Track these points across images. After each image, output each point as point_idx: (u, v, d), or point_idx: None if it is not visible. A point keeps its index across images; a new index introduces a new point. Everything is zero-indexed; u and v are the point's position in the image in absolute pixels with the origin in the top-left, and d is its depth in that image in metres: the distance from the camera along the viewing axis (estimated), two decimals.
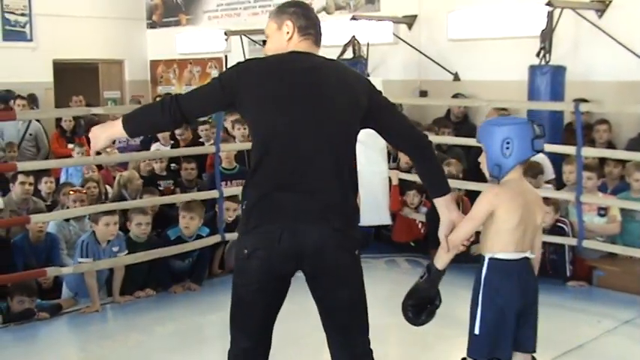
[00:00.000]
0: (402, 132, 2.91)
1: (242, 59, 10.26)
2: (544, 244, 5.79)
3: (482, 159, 3.11)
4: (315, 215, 2.68)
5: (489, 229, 3.03)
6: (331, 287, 2.76)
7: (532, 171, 6.09)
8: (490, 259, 3.02)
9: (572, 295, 5.71)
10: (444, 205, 2.93)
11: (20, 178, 6.10)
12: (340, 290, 2.76)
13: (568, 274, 5.87)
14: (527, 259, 3.05)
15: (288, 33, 2.88)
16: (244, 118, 2.89)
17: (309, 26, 2.90)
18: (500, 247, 3.00)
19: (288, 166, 2.69)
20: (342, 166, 2.76)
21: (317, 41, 2.92)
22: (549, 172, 6.53)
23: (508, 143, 2.97)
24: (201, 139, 8.07)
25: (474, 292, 3.05)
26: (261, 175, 2.74)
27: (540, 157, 6.55)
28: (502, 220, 2.97)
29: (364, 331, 2.85)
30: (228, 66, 11.02)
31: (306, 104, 2.70)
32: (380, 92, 2.92)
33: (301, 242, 2.67)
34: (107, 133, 2.95)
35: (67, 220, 6.00)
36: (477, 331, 3.02)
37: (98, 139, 2.95)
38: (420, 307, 3.08)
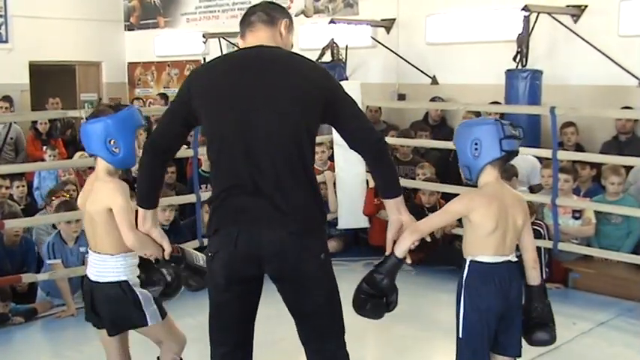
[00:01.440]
0: (356, 131, 2.78)
1: None
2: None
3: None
4: (270, 218, 2.63)
5: (468, 233, 3.03)
6: (295, 292, 2.73)
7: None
8: (471, 262, 3.01)
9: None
10: (394, 207, 2.85)
11: None
12: (305, 296, 2.73)
13: (544, 276, 5.84)
14: (509, 262, 3.02)
15: (241, 37, 2.86)
16: (200, 124, 2.83)
17: (244, 18, 2.85)
18: (479, 250, 2.99)
19: (239, 169, 2.65)
20: (295, 166, 2.66)
21: (261, 22, 2.80)
22: (538, 176, 6.52)
23: (476, 144, 2.95)
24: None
25: (457, 296, 3.04)
26: (217, 180, 2.74)
27: (531, 162, 6.59)
28: (478, 226, 2.96)
29: (337, 335, 2.82)
30: None
31: (250, 103, 2.63)
32: (339, 86, 2.80)
33: (257, 246, 2.64)
34: (146, 227, 2.96)
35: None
36: (460, 334, 3.02)
37: (147, 244, 2.99)
38: (367, 297, 2.89)
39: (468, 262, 3.03)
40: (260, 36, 2.79)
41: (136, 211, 2.99)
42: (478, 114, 7.02)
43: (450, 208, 3.04)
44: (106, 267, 3.09)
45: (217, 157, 2.71)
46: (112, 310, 3.11)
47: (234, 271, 2.71)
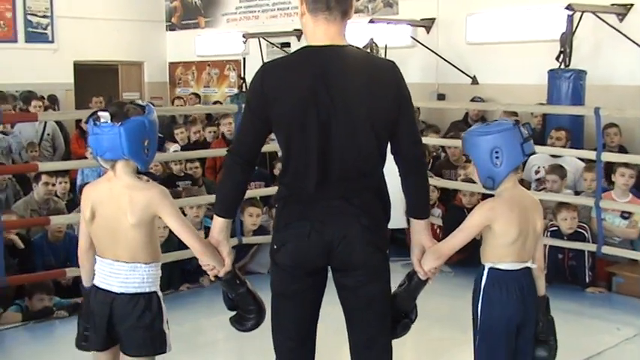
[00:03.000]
0: (402, 142, 2.76)
1: (259, 62, 10.31)
2: (563, 250, 5.84)
3: (472, 170, 2.98)
4: (343, 213, 2.68)
5: (488, 241, 2.94)
6: (362, 281, 2.74)
7: (560, 172, 6.15)
8: (490, 269, 2.95)
9: (590, 302, 5.65)
10: (418, 229, 2.84)
11: (44, 178, 6.14)
12: (370, 284, 2.75)
13: (587, 280, 5.82)
14: (528, 268, 2.96)
15: (301, 12, 2.72)
16: (272, 125, 2.77)
17: (317, 0, 2.66)
18: (500, 257, 2.92)
19: (312, 167, 2.66)
20: (367, 168, 2.72)
21: (334, 16, 2.66)
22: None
23: (497, 152, 2.82)
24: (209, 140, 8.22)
25: (474, 301, 2.98)
26: (289, 177, 2.74)
27: (578, 166, 6.47)
28: (500, 234, 2.88)
29: (387, 332, 2.84)
30: (246, 67, 11.09)
31: (326, 107, 2.62)
32: (409, 94, 2.77)
33: (330, 238, 2.68)
34: (219, 238, 2.82)
35: None
36: (477, 342, 2.97)
37: (214, 254, 2.82)
38: (395, 319, 2.89)
39: (486, 269, 2.95)
40: (333, 30, 2.68)
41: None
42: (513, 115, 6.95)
43: (471, 222, 2.91)
44: (135, 276, 2.85)
45: (290, 156, 2.71)
46: (137, 325, 2.85)
47: (304, 262, 2.74)
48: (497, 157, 2.83)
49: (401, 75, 2.76)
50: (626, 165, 5.82)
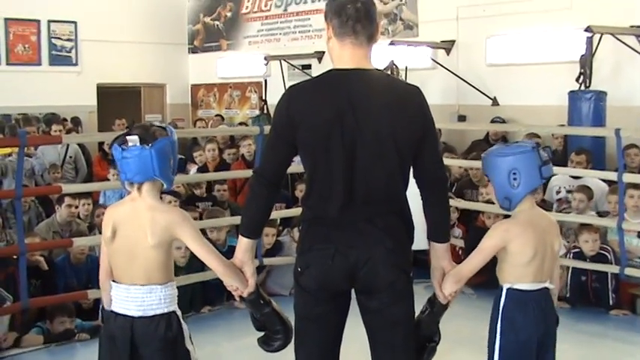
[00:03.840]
0: (425, 165, 2.78)
1: (281, 83, 10.32)
2: (587, 272, 5.79)
3: (491, 190, 3.01)
4: (368, 236, 2.68)
5: (505, 262, 2.95)
6: (386, 303, 2.73)
7: (588, 192, 6.13)
8: (508, 289, 2.94)
9: (614, 324, 5.59)
10: (439, 253, 2.85)
11: (67, 200, 6.18)
12: (395, 306, 2.74)
13: (611, 302, 5.76)
14: (546, 289, 2.96)
15: (327, 35, 2.74)
16: (297, 148, 2.79)
17: (343, 24, 2.67)
18: (518, 277, 2.92)
19: (337, 190, 2.67)
20: (392, 193, 2.72)
21: (360, 41, 2.68)
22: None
23: (515, 174, 2.85)
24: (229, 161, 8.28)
25: (492, 322, 2.98)
26: (313, 199, 2.74)
27: (600, 187, 6.42)
28: (517, 255, 2.89)
29: (411, 354, 2.83)
30: (267, 89, 11.12)
31: (353, 132, 2.63)
32: (432, 119, 2.79)
33: (354, 260, 2.68)
34: (244, 258, 2.81)
35: None
36: None
37: (237, 274, 2.81)
38: (420, 345, 2.89)
39: (505, 290, 2.95)
40: (359, 54, 2.70)
41: None
42: (538, 136, 6.92)
43: (487, 244, 2.93)
44: (152, 298, 2.85)
45: (314, 176, 2.72)
46: (161, 346, 2.85)
47: (328, 285, 2.74)
48: (514, 179, 2.86)
49: (425, 99, 2.79)
50: (634, 186, 5.76)
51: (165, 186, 2.92)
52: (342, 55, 2.72)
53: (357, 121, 2.63)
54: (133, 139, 2.79)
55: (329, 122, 2.63)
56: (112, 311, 2.93)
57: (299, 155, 2.80)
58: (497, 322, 2.95)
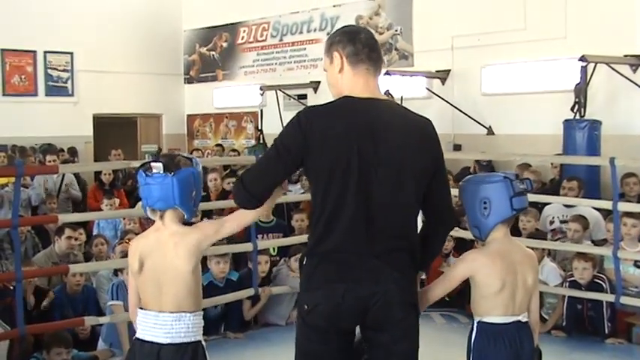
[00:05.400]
0: (437, 197, 2.76)
1: (276, 113, 10.32)
2: (582, 300, 5.78)
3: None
4: (381, 273, 2.64)
5: (475, 293, 2.93)
6: (393, 339, 2.70)
7: (584, 222, 6.11)
8: (479, 322, 2.92)
9: (610, 353, 5.56)
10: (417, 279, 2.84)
11: (67, 232, 6.17)
12: (401, 342, 2.71)
13: (606, 331, 5.75)
14: (519, 322, 2.91)
15: (338, 65, 2.73)
16: (306, 173, 2.77)
17: (359, 52, 2.70)
18: (487, 310, 2.90)
19: (357, 221, 2.62)
20: (404, 230, 2.69)
21: (374, 69, 2.73)
22: (602, 231, 6.39)
23: (485, 203, 2.84)
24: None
25: (467, 355, 2.95)
26: (323, 227, 2.66)
27: (595, 216, 6.43)
28: (484, 285, 2.87)
29: None
30: (263, 119, 11.12)
31: (368, 166, 2.60)
32: (442, 154, 2.79)
33: (365, 297, 2.64)
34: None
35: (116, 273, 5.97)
36: None
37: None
38: None
39: (475, 323, 2.93)
40: (373, 84, 2.74)
41: None
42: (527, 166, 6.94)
43: (453, 273, 2.94)
44: (181, 325, 2.83)
45: (325, 215, 2.65)
46: None
47: (338, 323, 2.69)
48: (485, 208, 2.86)
49: (436, 131, 2.79)
50: (627, 214, 5.78)
51: (186, 216, 2.90)
52: (355, 83, 2.71)
53: (375, 151, 2.60)
54: (157, 167, 2.82)
55: (346, 149, 2.58)
56: (137, 338, 2.91)
57: (309, 181, 2.76)
58: (469, 356, 2.93)
